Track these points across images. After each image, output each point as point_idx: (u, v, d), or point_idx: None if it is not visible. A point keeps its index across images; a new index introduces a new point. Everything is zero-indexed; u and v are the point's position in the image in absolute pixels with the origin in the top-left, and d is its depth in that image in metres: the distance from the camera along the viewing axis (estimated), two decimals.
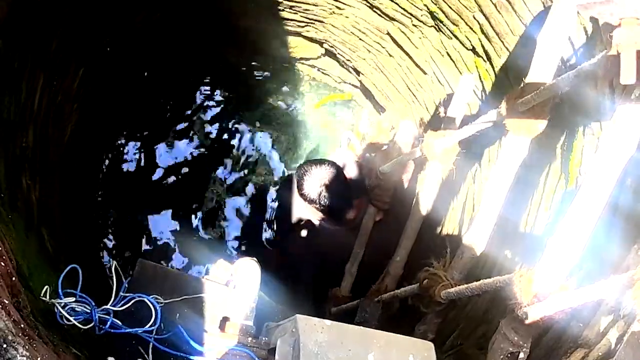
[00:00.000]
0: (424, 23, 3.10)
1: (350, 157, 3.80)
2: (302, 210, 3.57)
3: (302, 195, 3.28)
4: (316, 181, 3.20)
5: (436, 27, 3.03)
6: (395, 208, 3.31)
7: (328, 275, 3.58)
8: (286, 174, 4.75)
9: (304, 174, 3.26)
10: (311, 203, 3.28)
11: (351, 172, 3.54)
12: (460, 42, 2.91)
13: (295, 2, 3.73)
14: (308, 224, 3.59)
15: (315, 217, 3.49)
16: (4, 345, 1.33)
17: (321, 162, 3.32)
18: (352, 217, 3.40)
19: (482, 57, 2.78)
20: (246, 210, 4.66)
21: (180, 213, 4.58)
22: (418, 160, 2.84)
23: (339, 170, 3.30)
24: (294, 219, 3.65)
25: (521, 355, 1.69)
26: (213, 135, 4.79)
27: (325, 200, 3.21)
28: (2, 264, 1.68)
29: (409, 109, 3.85)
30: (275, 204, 4.58)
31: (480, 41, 2.72)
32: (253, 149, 4.79)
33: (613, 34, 1.44)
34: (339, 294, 3.38)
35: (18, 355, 1.34)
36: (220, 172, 4.72)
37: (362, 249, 3.30)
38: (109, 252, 4.35)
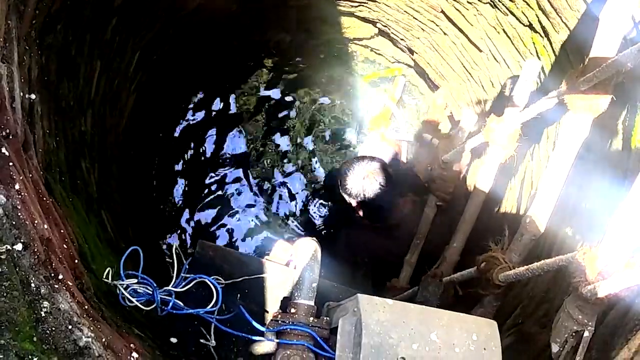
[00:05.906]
0: None
1: (394, 151, 3.77)
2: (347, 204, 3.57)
3: (344, 189, 3.29)
4: (359, 177, 3.21)
5: (491, 3, 2.99)
6: (455, 195, 3.28)
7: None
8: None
9: (348, 169, 3.27)
10: (351, 198, 3.29)
11: (397, 166, 3.52)
12: (517, 19, 2.86)
13: None
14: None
15: (357, 212, 3.48)
16: (70, 327, 1.35)
17: (366, 158, 3.33)
18: (394, 216, 3.38)
19: (540, 34, 2.73)
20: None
21: (240, 192, 4.64)
22: (478, 146, 2.81)
23: (384, 168, 3.29)
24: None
25: (586, 333, 1.67)
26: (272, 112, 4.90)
27: (365, 197, 3.21)
28: (65, 246, 1.71)
29: (463, 87, 3.82)
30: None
31: (538, 17, 2.67)
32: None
33: None
34: (398, 284, 3.37)
35: (83, 337, 1.36)
36: (283, 143, 4.81)
37: (422, 240, 3.27)
38: (168, 233, 4.43)
